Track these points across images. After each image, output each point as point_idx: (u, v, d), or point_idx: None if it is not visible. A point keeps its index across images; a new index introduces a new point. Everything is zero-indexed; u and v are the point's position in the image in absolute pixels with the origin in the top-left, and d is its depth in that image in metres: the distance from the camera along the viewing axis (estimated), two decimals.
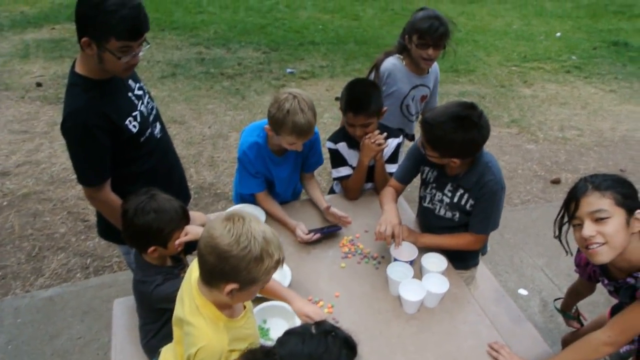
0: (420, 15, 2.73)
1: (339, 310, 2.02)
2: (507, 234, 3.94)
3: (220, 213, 1.38)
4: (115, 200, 2.07)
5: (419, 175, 2.42)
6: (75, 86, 1.94)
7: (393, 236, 2.15)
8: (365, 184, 2.74)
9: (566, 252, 1.87)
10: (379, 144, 2.48)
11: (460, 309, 2.07)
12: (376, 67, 2.92)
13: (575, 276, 2.33)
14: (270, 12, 9.98)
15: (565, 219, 1.74)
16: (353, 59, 7.68)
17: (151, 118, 2.21)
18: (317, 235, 2.36)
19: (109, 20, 1.74)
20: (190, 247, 1.93)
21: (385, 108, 2.55)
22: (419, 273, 2.17)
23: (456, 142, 1.97)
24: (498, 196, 2.13)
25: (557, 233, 1.79)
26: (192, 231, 1.85)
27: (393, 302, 2.08)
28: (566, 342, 2.46)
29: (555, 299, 2.55)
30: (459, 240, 2.27)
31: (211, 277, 1.36)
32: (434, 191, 2.29)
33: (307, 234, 2.35)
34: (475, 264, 2.51)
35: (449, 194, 2.22)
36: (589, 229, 1.63)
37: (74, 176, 2.09)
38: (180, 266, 1.96)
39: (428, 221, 2.38)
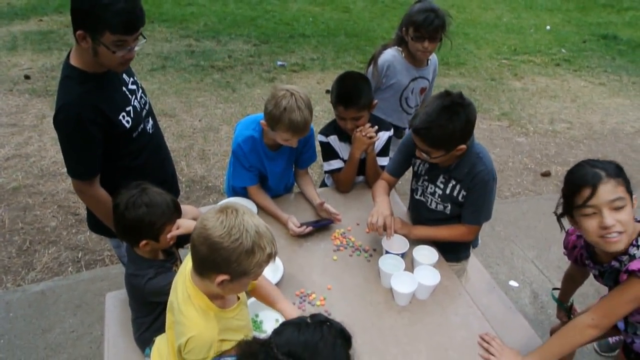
0: (416, 7, 2.73)
1: (331, 303, 2.03)
2: (497, 227, 3.97)
3: (213, 206, 1.39)
4: (103, 195, 2.06)
5: (411, 168, 2.43)
6: (70, 79, 1.92)
7: (385, 227, 2.16)
8: (356, 177, 2.74)
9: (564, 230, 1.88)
10: (370, 137, 2.49)
11: (451, 301, 2.08)
12: (374, 60, 2.92)
13: (565, 268, 2.36)
14: (260, 4, 9.93)
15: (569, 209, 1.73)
16: (344, 52, 7.67)
17: (144, 113, 2.20)
18: (309, 228, 2.36)
19: (104, 14, 1.72)
20: (182, 240, 1.92)
21: (375, 101, 2.55)
22: (410, 265, 2.19)
23: (457, 129, 1.96)
24: (490, 186, 2.14)
25: (562, 227, 1.80)
26: (184, 225, 1.85)
27: (385, 294, 2.09)
28: (554, 332, 2.49)
29: (554, 288, 2.57)
30: (452, 232, 2.29)
31: (203, 268, 1.38)
32: (426, 183, 2.30)
33: (298, 227, 2.35)
34: (467, 256, 2.53)
35: (441, 186, 2.23)
36: (610, 218, 1.61)
37: (64, 170, 2.08)
38: (172, 260, 1.96)
39: (420, 214, 2.39)
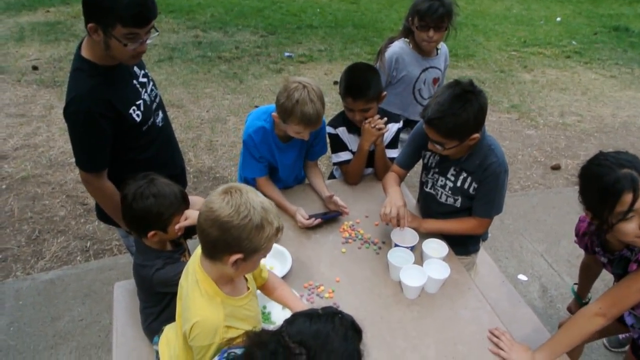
0: None
1: (339, 295, 2.02)
2: (507, 220, 3.94)
3: (216, 190, 1.40)
4: (110, 188, 2.05)
5: (421, 160, 2.40)
6: (81, 71, 1.90)
7: (398, 218, 2.14)
8: (365, 169, 2.72)
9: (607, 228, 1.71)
10: (379, 129, 2.46)
11: (460, 295, 2.07)
12: (380, 53, 2.89)
13: (575, 262, 2.34)
14: None
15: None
16: (351, 43, 7.63)
17: (154, 106, 2.18)
18: (318, 220, 2.35)
19: (115, 6, 1.70)
20: (191, 231, 1.92)
21: (384, 93, 2.52)
22: (419, 259, 2.17)
23: (470, 117, 1.93)
24: (501, 179, 2.11)
25: (605, 229, 1.68)
26: (192, 215, 1.84)
27: (394, 287, 2.08)
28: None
29: (575, 283, 2.56)
30: (463, 225, 2.26)
31: (215, 250, 1.38)
32: (436, 176, 2.27)
33: (307, 219, 2.34)
34: (476, 249, 2.51)
35: (452, 178, 2.20)
36: None
37: (72, 160, 2.08)
38: (180, 250, 1.96)
39: (429, 207, 2.37)
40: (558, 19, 9.23)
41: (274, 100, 2.28)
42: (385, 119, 2.49)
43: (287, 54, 7.06)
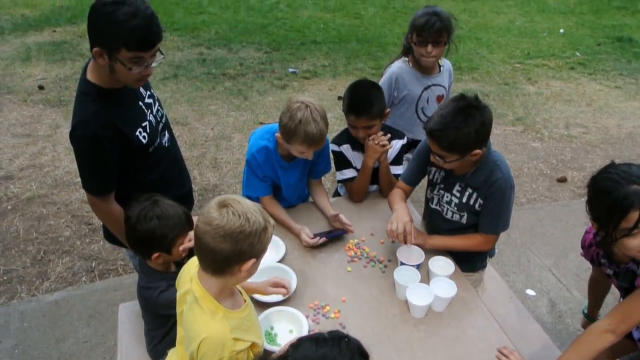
0: (419, 12, 2.70)
1: (345, 315, 2.00)
2: (513, 234, 3.91)
3: (208, 207, 1.41)
4: (117, 211, 2.05)
5: (426, 177, 2.39)
6: (86, 94, 1.91)
7: (405, 234, 2.12)
8: (369, 186, 2.71)
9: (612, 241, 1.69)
10: (383, 145, 2.46)
11: (468, 313, 2.04)
12: (382, 77, 2.89)
13: (583, 275, 2.32)
14: (271, 11, 9.96)
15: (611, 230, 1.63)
16: (355, 58, 7.65)
17: (160, 127, 2.18)
18: (323, 239, 2.33)
19: (120, 31, 1.71)
20: None
21: (388, 109, 2.52)
22: (426, 277, 2.15)
23: (472, 131, 1.92)
24: (507, 195, 2.10)
25: (609, 241, 1.67)
26: None
27: (400, 306, 2.06)
28: None
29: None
30: (469, 241, 2.25)
31: (226, 264, 1.39)
32: (441, 192, 2.26)
33: (312, 238, 2.33)
34: (483, 266, 2.48)
35: (458, 194, 2.19)
36: None
37: (78, 179, 2.08)
38: None
39: (435, 223, 2.36)
40: (561, 30, 9.24)
41: (278, 116, 2.28)
42: (389, 135, 2.48)
43: (291, 69, 7.09)
